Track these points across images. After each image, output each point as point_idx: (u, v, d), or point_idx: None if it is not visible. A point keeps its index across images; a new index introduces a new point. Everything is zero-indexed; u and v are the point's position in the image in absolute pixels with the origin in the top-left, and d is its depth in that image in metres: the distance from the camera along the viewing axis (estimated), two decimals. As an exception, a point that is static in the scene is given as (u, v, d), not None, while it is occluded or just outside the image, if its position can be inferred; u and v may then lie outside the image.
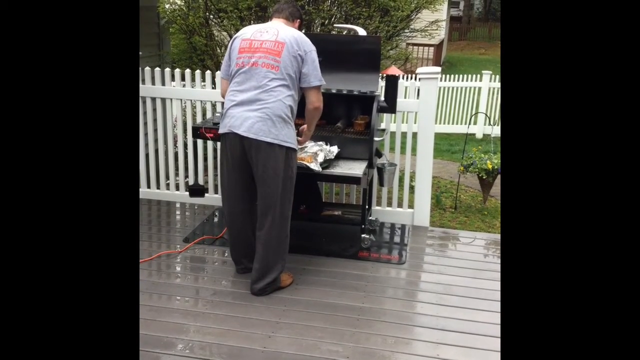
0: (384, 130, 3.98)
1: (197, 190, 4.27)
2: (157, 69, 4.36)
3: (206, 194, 4.41)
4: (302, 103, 3.09)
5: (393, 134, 4.18)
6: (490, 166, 5.05)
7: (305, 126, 3.23)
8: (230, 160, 3.03)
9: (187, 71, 4.32)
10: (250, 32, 3.04)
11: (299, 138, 3.20)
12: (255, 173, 2.99)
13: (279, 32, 2.98)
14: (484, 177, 5.15)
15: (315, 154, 3.38)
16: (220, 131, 3.05)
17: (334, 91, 3.65)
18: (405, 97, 4.06)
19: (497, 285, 3.26)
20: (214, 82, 4.30)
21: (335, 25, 4.67)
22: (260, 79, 2.92)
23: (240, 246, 3.25)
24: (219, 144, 4.32)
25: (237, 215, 3.16)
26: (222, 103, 4.31)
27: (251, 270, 3.15)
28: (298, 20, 3.18)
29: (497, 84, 9.72)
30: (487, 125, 9.43)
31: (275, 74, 2.91)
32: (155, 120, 4.48)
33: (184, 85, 4.36)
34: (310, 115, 3.11)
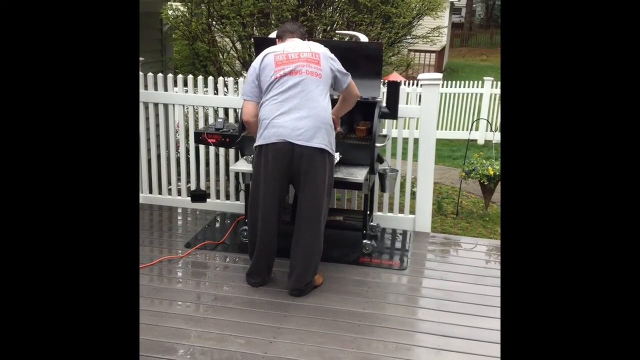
0: (385, 136, 3.99)
1: (199, 196, 4.28)
2: (160, 74, 4.38)
3: (208, 199, 4.42)
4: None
5: (394, 139, 4.19)
6: (491, 172, 5.06)
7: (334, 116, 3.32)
8: (272, 170, 3.00)
9: (190, 77, 4.33)
10: (280, 48, 3.09)
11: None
12: (302, 180, 3.00)
13: (310, 45, 3.11)
14: (486, 183, 5.16)
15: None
16: (263, 142, 2.99)
17: (335, 97, 3.66)
18: (406, 103, 4.06)
19: (499, 292, 3.25)
20: (216, 88, 4.31)
21: (337, 31, 4.68)
22: (305, 86, 2.97)
23: (268, 259, 3.24)
24: (222, 149, 4.35)
25: (271, 226, 3.14)
26: (225, 108, 4.35)
27: (265, 284, 3.25)
28: (307, 39, 3.30)
29: (499, 90, 9.73)
30: (488, 131, 9.45)
31: (319, 81, 3.01)
32: (157, 125, 4.50)
33: (186, 91, 4.37)
34: (350, 106, 3.32)
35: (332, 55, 3.13)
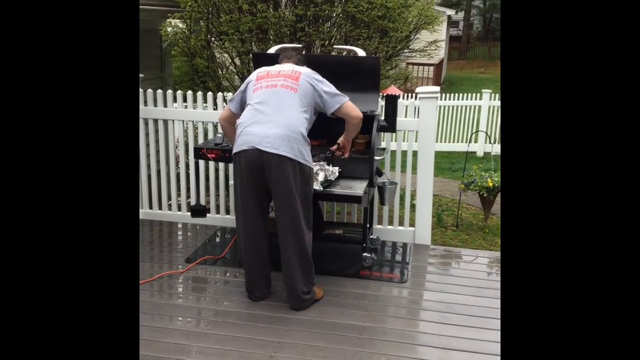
0: (384, 149, 4.01)
1: (198, 211, 4.28)
2: (159, 90, 4.41)
3: (208, 214, 4.42)
4: (328, 126, 3.19)
5: (393, 152, 4.21)
6: (491, 184, 5.06)
7: (342, 140, 3.42)
8: (245, 177, 3.06)
9: (189, 93, 4.36)
10: (266, 68, 3.23)
11: (341, 152, 3.45)
12: (275, 189, 3.03)
13: (294, 66, 3.21)
14: (485, 195, 5.16)
15: (316, 173, 3.40)
16: (236, 150, 3.07)
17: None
18: (405, 116, 4.09)
19: (500, 303, 3.24)
20: (215, 104, 4.34)
21: (335, 46, 4.72)
22: (279, 98, 3.05)
23: (262, 271, 3.26)
24: (221, 164, 4.36)
25: (254, 233, 3.16)
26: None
27: (265, 298, 3.26)
28: (304, 66, 3.34)
29: (497, 103, 9.78)
30: (487, 144, 9.47)
31: (294, 95, 3.06)
32: (157, 141, 4.52)
33: (185, 107, 4.40)
34: (355, 128, 3.30)
35: (319, 77, 3.16)
